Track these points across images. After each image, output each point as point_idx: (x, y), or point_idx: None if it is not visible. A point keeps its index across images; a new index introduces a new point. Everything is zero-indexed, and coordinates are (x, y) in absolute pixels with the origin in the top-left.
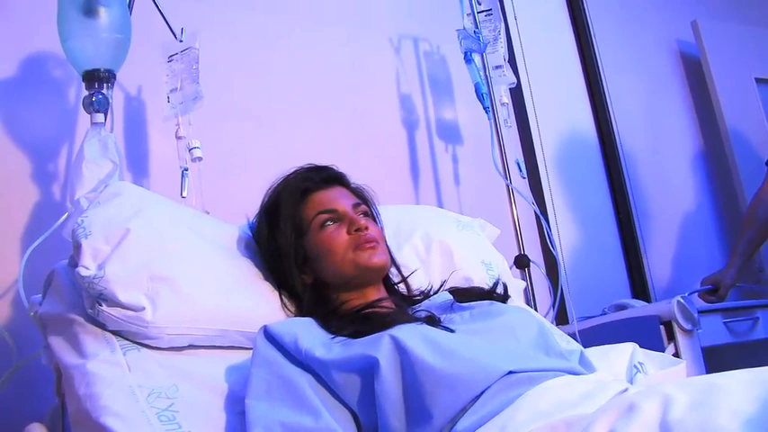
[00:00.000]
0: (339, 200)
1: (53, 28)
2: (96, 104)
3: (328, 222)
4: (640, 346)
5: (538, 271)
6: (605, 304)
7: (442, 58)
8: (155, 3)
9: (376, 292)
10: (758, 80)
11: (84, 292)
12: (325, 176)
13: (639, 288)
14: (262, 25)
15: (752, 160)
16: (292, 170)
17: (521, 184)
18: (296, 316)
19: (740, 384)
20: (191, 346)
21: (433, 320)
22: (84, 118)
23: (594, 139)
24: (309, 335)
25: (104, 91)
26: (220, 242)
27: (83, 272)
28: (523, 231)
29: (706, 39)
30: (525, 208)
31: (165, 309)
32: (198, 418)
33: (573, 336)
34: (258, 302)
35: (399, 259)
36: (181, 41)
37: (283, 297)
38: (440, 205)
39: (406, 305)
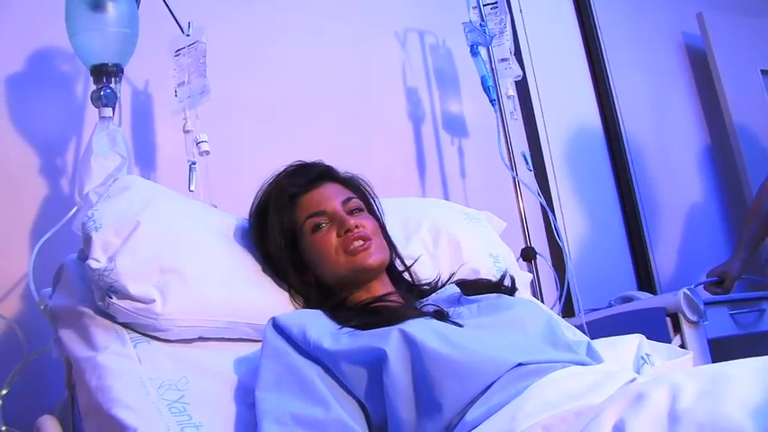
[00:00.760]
0: (328, 200)
1: (61, 23)
2: (104, 99)
3: (320, 225)
4: (647, 338)
5: (544, 263)
6: (611, 296)
7: (447, 52)
8: None
9: (381, 287)
10: (764, 72)
11: (94, 285)
12: (312, 176)
13: (645, 280)
14: (268, 20)
15: (758, 152)
16: (279, 171)
17: (527, 176)
18: (304, 308)
19: (748, 373)
20: (200, 339)
21: (441, 315)
22: (92, 112)
23: (600, 132)
24: (317, 326)
25: (112, 85)
26: (229, 235)
27: (93, 264)
28: (530, 224)
29: (712, 31)
30: (531, 200)
31: (175, 301)
32: (208, 410)
33: (580, 328)
34: (267, 294)
35: (407, 251)
36: (188, 36)
37: (292, 290)
38: (446, 198)
39: (413, 298)
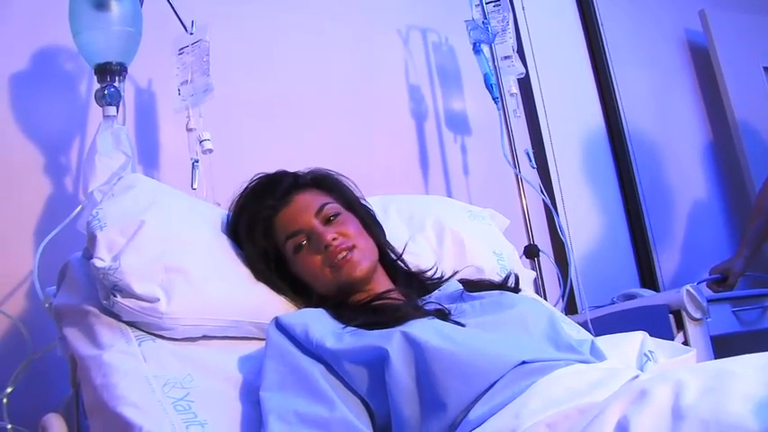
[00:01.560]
0: (301, 215)
1: (64, 22)
2: (108, 97)
3: (300, 245)
4: (650, 335)
5: (547, 260)
6: (614, 294)
7: (450, 49)
8: None
9: (378, 283)
10: (767, 69)
11: (98, 284)
12: (280, 192)
13: (648, 277)
14: (271, 18)
15: (760, 149)
16: (243, 191)
17: (530, 173)
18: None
19: (751, 370)
20: (204, 337)
21: (443, 314)
22: (95, 111)
23: (603, 129)
24: (320, 325)
25: (116, 84)
26: None
27: (98, 263)
28: (533, 221)
29: (714, 28)
30: (534, 198)
31: (180, 300)
32: (213, 408)
33: (584, 325)
34: (271, 293)
35: (412, 249)
36: (191, 34)
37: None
38: (449, 195)
39: (414, 293)
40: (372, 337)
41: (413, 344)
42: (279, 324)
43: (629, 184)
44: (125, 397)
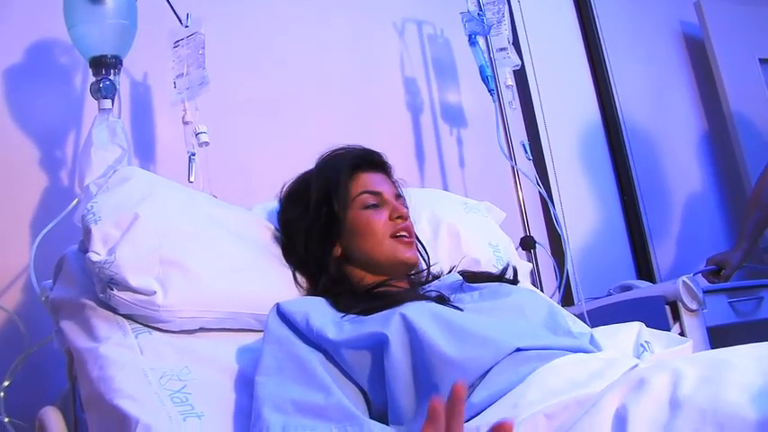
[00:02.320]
0: (384, 185)
1: (59, 15)
2: (104, 90)
3: (371, 203)
4: (646, 327)
5: (543, 252)
6: (610, 285)
7: (446, 42)
8: None
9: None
10: (762, 61)
11: (95, 277)
12: (376, 161)
13: (644, 269)
14: (266, 11)
15: (756, 141)
16: (344, 146)
17: (526, 165)
18: (308, 294)
19: (748, 359)
20: (201, 329)
21: (442, 299)
22: (91, 104)
23: (599, 121)
24: (321, 314)
25: (111, 77)
26: (230, 225)
27: (93, 257)
28: (529, 213)
29: (709, 20)
30: (530, 190)
31: (176, 292)
32: (210, 400)
33: (581, 316)
34: (268, 285)
35: None
36: (186, 27)
37: (297, 275)
38: (445, 188)
39: (416, 284)
40: (372, 323)
41: (410, 329)
42: (279, 311)
43: (626, 176)
44: (122, 389)
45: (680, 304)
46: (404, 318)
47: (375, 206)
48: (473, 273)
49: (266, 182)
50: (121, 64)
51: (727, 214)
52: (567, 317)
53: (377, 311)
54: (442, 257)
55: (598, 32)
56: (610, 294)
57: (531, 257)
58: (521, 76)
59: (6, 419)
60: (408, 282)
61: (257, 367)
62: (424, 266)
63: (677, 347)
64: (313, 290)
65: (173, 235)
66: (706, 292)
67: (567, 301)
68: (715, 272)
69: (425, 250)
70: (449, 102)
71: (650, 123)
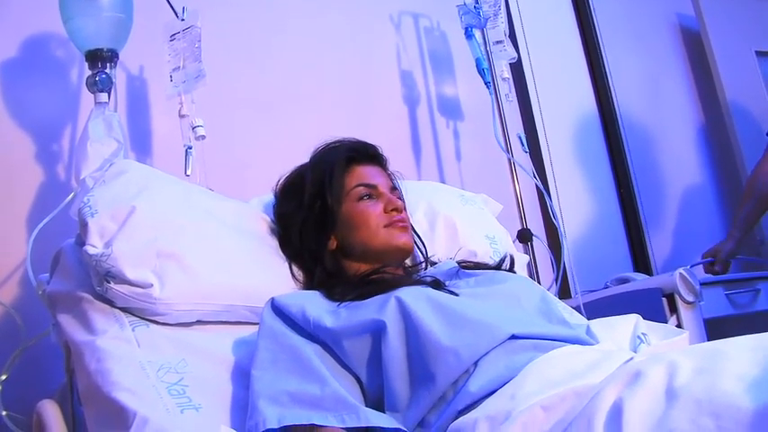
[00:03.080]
0: (379, 177)
1: (55, 8)
2: (100, 84)
3: (366, 196)
4: (643, 319)
5: (540, 245)
6: (607, 278)
7: (442, 34)
8: None
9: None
10: (758, 53)
11: (91, 270)
12: (370, 153)
13: (641, 261)
14: (262, 4)
15: (752, 133)
16: (338, 138)
17: (522, 158)
18: (305, 288)
19: (744, 350)
20: (198, 322)
21: (438, 284)
22: (87, 98)
23: (595, 113)
24: (316, 305)
25: (107, 70)
26: (226, 218)
27: (90, 250)
28: (526, 205)
29: (706, 12)
30: (527, 182)
31: (173, 285)
32: (208, 392)
33: (577, 309)
34: (265, 278)
35: None
36: (183, 20)
37: (293, 267)
38: (442, 181)
39: (412, 271)
40: (368, 308)
41: (405, 314)
42: (274, 305)
43: (622, 169)
44: (119, 382)
45: (677, 296)
46: (399, 302)
47: (370, 198)
48: (470, 262)
49: (263, 175)
50: (117, 57)
51: (723, 206)
52: (564, 308)
53: (372, 296)
54: (439, 250)
55: (595, 25)
56: (607, 287)
57: (528, 250)
58: (517, 68)
59: (4, 413)
60: (404, 269)
61: (253, 361)
62: (421, 258)
63: (674, 339)
64: (309, 282)
65: (169, 228)
66: (703, 284)
67: (564, 293)
68: (711, 264)
69: (423, 242)
70: (445, 95)
71: (647, 116)
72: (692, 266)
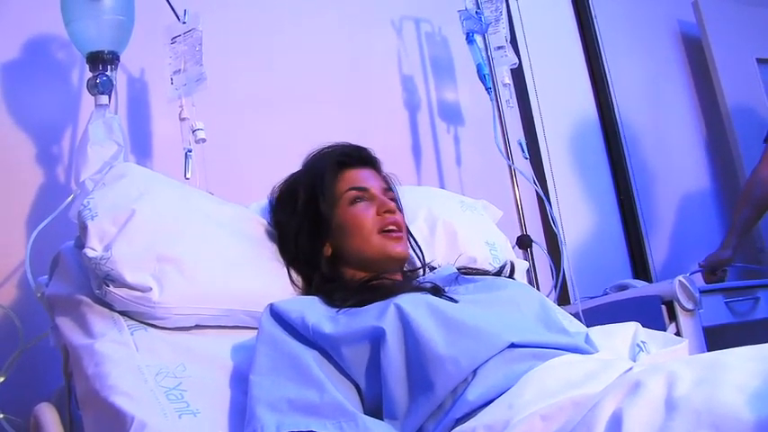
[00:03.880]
0: (372, 180)
1: (56, 10)
2: (101, 86)
3: (358, 199)
4: (642, 326)
5: (540, 251)
6: (607, 284)
7: (443, 40)
8: None
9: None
10: (759, 60)
11: (91, 273)
12: (362, 157)
13: (641, 268)
14: (264, 8)
15: (753, 140)
16: (330, 144)
17: (523, 164)
18: (303, 293)
19: (743, 361)
20: (197, 326)
21: (437, 291)
22: (87, 100)
23: (596, 120)
24: (315, 311)
25: (108, 73)
26: (226, 222)
27: (89, 253)
28: (525, 212)
29: (707, 19)
30: (527, 188)
31: (172, 289)
32: (206, 397)
33: (577, 316)
34: (264, 282)
35: None
36: (184, 23)
37: (292, 273)
38: (442, 186)
39: (410, 277)
40: (367, 315)
41: (405, 322)
42: (273, 311)
43: (622, 175)
44: (117, 386)
45: (676, 304)
46: (399, 309)
47: (362, 201)
48: (469, 268)
49: (263, 179)
50: (118, 60)
51: (724, 214)
52: (563, 315)
53: (371, 303)
54: (439, 255)
55: (596, 31)
56: (606, 294)
57: (528, 256)
58: (518, 74)
59: (1, 416)
60: (402, 275)
61: (251, 366)
62: (418, 264)
63: (673, 347)
64: (308, 288)
65: (169, 232)
66: (702, 292)
67: (563, 299)
68: (709, 272)
69: (419, 247)
70: (446, 100)
71: (647, 123)
72: (691, 274)
